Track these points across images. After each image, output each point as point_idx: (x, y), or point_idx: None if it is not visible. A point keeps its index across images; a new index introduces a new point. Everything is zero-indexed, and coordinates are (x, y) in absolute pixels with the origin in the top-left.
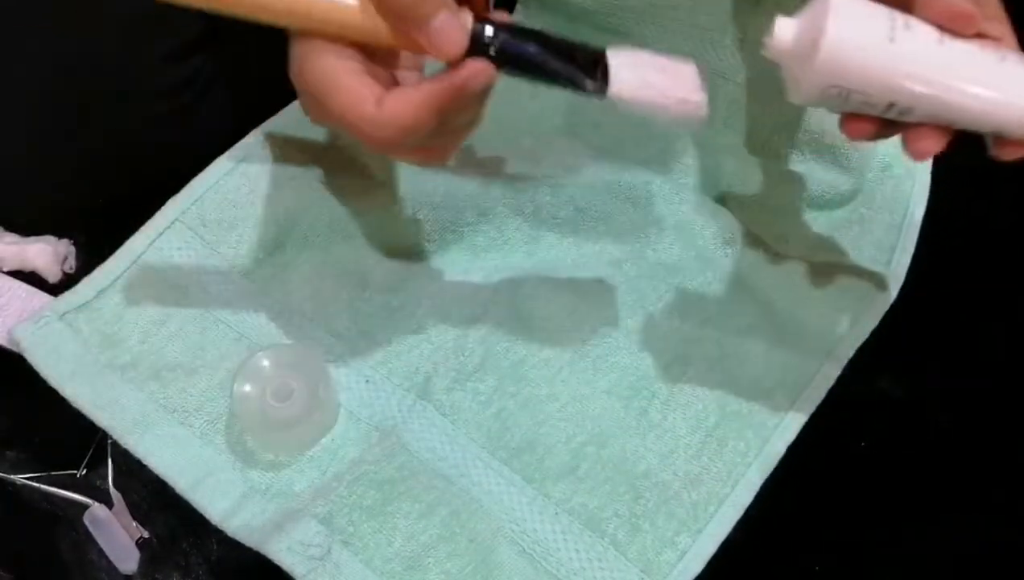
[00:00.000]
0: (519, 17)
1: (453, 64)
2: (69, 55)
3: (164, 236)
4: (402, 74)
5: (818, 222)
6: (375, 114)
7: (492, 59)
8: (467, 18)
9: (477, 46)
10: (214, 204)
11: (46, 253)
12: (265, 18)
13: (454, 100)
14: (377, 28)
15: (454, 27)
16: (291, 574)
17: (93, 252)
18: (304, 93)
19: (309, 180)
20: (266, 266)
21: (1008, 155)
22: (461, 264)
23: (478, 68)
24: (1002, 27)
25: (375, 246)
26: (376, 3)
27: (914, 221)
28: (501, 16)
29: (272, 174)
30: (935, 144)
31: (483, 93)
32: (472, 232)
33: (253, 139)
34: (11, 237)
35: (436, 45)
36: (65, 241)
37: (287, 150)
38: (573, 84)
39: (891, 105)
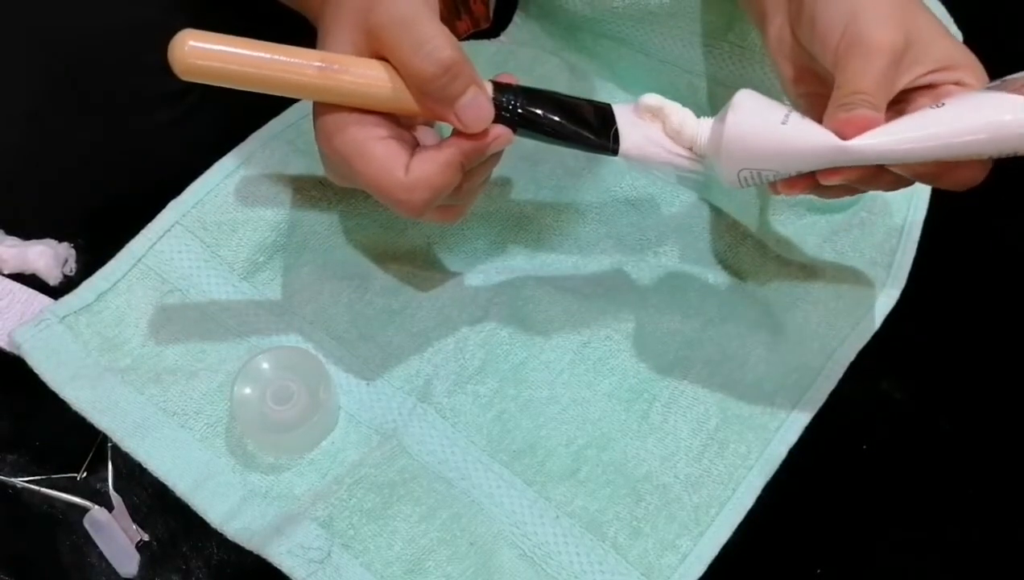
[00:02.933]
0: (518, 23)
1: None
2: (71, 62)
3: (164, 239)
4: (420, 130)
5: (819, 225)
6: (404, 180)
7: (510, 123)
8: (488, 87)
9: (497, 112)
10: (214, 207)
11: (47, 256)
12: (296, 95)
13: (474, 161)
14: (403, 100)
15: (482, 104)
16: (291, 577)
17: (93, 255)
18: (332, 161)
19: (309, 183)
20: (266, 269)
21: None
22: (461, 267)
23: (500, 133)
24: (959, 72)
25: (375, 249)
26: (404, 79)
27: (915, 223)
28: (509, 78)
29: (272, 177)
30: (840, 178)
31: (498, 154)
32: (472, 235)
33: (253, 143)
34: (12, 240)
35: (465, 121)
36: (65, 244)
37: (287, 153)
38: (585, 145)
39: (799, 173)
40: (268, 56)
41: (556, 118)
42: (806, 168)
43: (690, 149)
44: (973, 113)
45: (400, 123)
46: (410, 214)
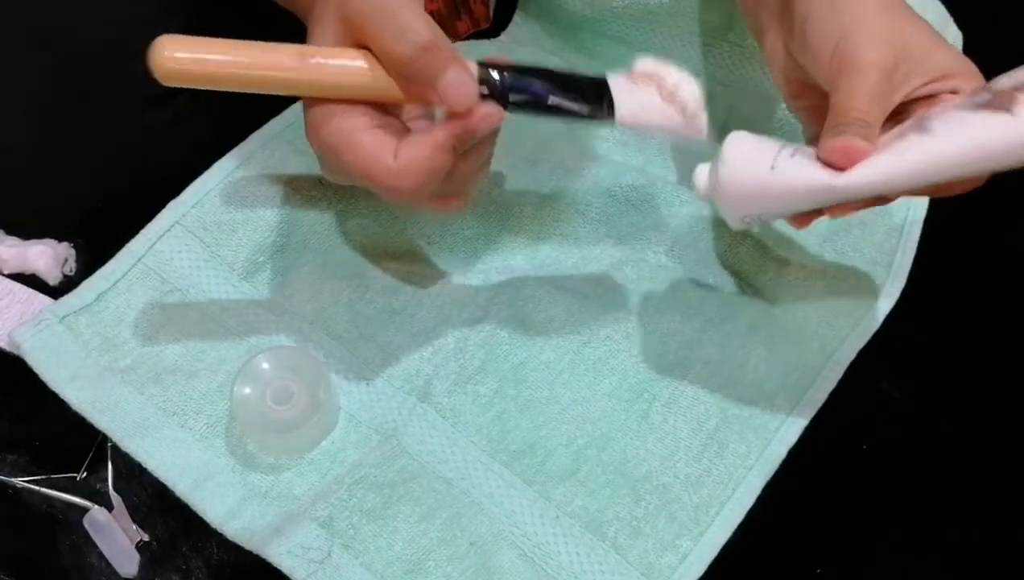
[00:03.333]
0: (518, 22)
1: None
2: (70, 61)
3: (164, 239)
4: (415, 124)
5: (819, 225)
6: (393, 165)
7: (500, 101)
8: (473, 67)
9: (487, 91)
10: (214, 207)
11: (46, 256)
12: (280, 91)
13: (466, 142)
14: (386, 87)
15: (464, 81)
16: (291, 577)
17: (93, 255)
18: (322, 154)
19: (309, 183)
20: (266, 269)
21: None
22: (461, 267)
23: (488, 112)
24: (956, 80)
25: (375, 249)
26: (385, 65)
27: (915, 223)
28: (502, 58)
29: (272, 177)
30: (847, 213)
31: (493, 134)
32: (472, 235)
33: (253, 143)
34: (12, 240)
35: (448, 100)
36: (65, 244)
37: (287, 153)
38: (579, 116)
39: (798, 212)
40: (248, 55)
41: (546, 91)
42: (804, 208)
43: (684, 112)
44: (960, 136)
45: (389, 112)
46: (405, 201)
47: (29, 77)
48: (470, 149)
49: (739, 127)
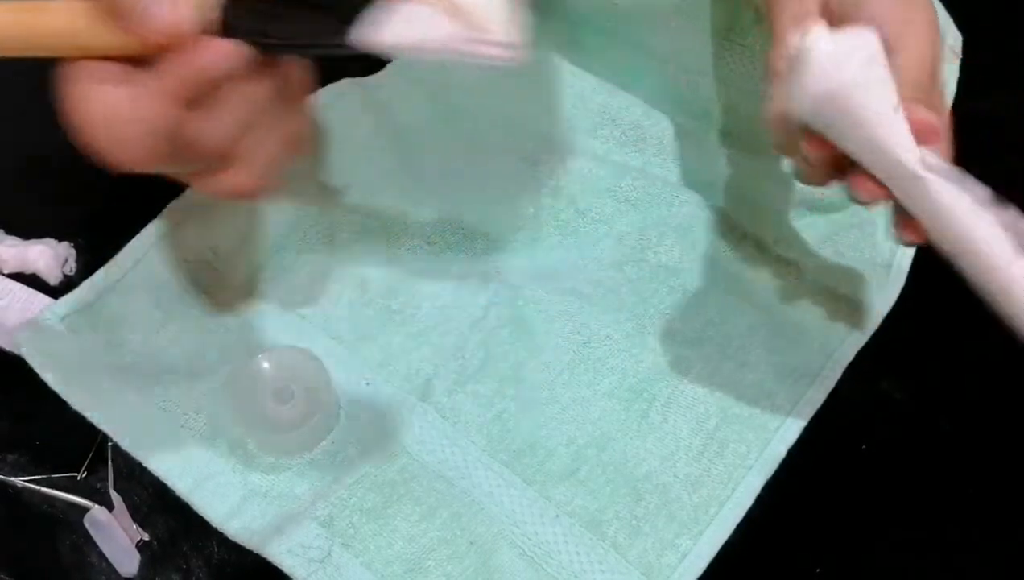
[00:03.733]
0: None
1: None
2: None
3: (164, 238)
4: None
5: (818, 225)
6: (106, 115)
7: (240, 37)
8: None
9: (223, 26)
10: (214, 207)
11: (47, 255)
12: (17, 53)
13: (190, 87)
14: (114, 39)
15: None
16: (291, 576)
17: (93, 255)
18: (74, 126)
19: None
20: (267, 269)
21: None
22: (462, 267)
23: (206, 46)
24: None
25: (376, 249)
26: (102, 10)
27: None
28: None
29: None
30: (874, 196)
31: (261, 86)
32: (472, 234)
33: None
34: (12, 240)
35: (144, 26)
36: (66, 243)
37: None
38: (335, 45)
39: (855, 159)
40: None
41: (286, 19)
42: (871, 165)
43: (470, 25)
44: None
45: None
46: (125, 161)
47: (29, 76)
48: (218, 102)
49: (739, 126)
